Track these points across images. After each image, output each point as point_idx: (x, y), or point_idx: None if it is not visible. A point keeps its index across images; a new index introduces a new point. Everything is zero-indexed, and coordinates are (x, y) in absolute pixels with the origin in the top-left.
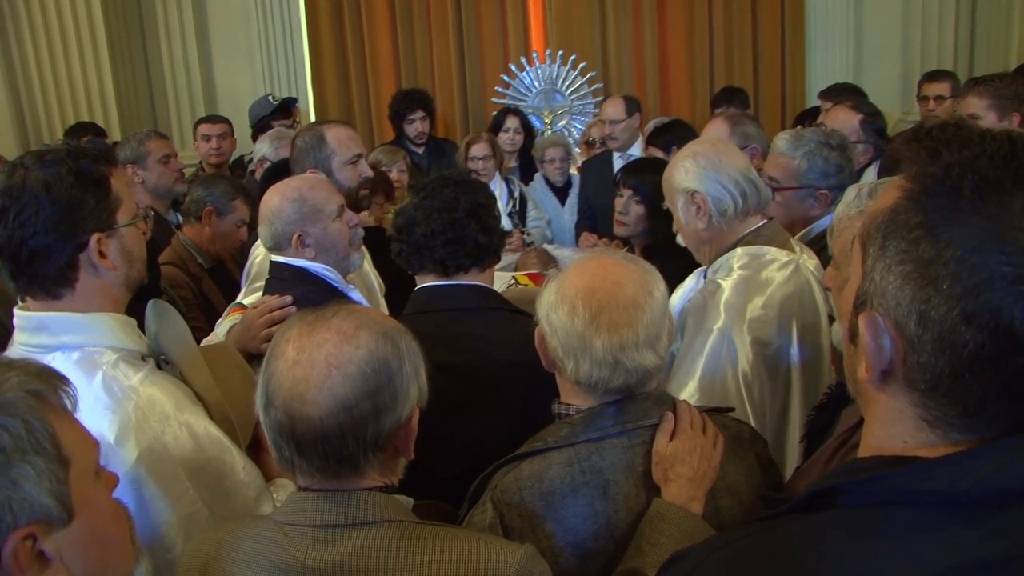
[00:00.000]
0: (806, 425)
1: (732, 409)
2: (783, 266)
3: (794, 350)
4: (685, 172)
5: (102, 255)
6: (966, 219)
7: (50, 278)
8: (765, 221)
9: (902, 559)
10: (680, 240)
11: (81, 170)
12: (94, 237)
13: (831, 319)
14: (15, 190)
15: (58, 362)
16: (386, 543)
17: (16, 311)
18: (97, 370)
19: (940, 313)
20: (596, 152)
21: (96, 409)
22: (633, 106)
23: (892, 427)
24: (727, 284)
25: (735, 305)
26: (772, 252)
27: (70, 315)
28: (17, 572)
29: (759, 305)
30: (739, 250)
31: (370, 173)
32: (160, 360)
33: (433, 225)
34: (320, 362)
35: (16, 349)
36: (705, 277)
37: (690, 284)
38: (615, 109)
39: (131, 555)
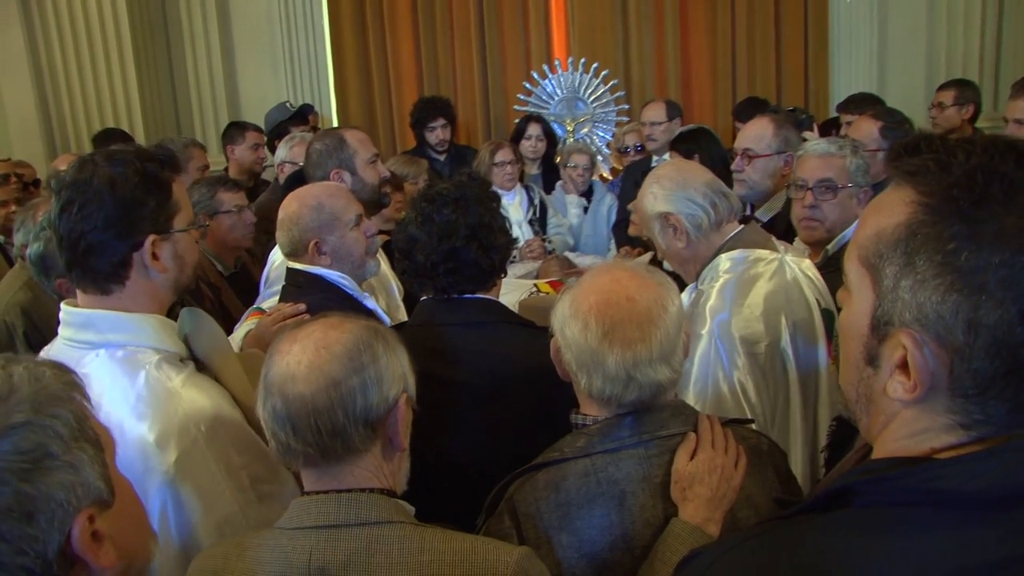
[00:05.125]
0: (828, 435)
1: (751, 421)
2: (767, 264)
3: (786, 346)
4: (654, 198)
5: (155, 256)
6: (1001, 222)
7: (102, 273)
8: (741, 228)
9: (915, 558)
10: (667, 266)
11: (147, 172)
12: (149, 238)
13: (826, 312)
14: (83, 184)
15: (102, 359)
16: (388, 542)
17: (63, 306)
18: (141, 369)
19: (993, 318)
20: (630, 159)
21: (138, 408)
22: (674, 110)
23: (917, 436)
24: (712, 290)
25: (719, 308)
26: (756, 252)
27: (117, 314)
28: (87, 550)
29: (743, 304)
30: (723, 256)
31: (387, 172)
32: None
33: (433, 255)
34: (310, 347)
35: (59, 344)
36: (697, 289)
37: (684, 300)
38: (656, 112)
39: (151, 530)
